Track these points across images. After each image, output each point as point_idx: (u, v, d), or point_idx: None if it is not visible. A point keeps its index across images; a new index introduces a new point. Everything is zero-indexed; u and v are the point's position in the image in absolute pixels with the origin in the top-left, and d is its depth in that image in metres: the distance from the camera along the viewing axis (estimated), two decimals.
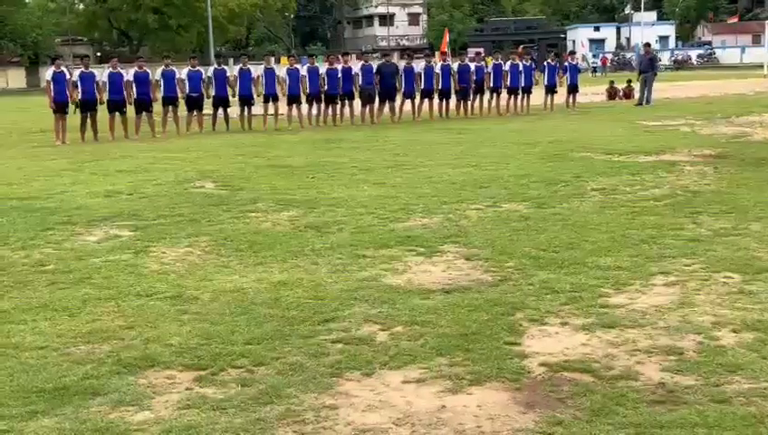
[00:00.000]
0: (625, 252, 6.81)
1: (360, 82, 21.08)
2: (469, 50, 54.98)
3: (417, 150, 14.66)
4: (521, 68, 23.52)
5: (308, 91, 20.60)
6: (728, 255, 6.59)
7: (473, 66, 22.86)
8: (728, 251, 6.71)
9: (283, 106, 20.74)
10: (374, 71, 21.38)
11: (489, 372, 4.39)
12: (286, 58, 24.75)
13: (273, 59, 22.43)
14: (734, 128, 17.22)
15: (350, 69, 21.19)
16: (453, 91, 22.39)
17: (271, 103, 20.55)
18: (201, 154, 14.97)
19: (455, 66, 22.65)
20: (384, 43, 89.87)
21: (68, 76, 17.94)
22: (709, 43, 79.71)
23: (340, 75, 20.83)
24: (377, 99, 21.52)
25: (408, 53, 28.98)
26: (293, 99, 20.60)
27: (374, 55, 34.19)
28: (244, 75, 20.28)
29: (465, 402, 4.07)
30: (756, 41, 69.22)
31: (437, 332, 5.03)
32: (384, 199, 9.56)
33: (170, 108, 19.38)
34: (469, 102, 22.94)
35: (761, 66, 45.53)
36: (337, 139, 17.21)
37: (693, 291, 5.71)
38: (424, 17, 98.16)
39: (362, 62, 21.76)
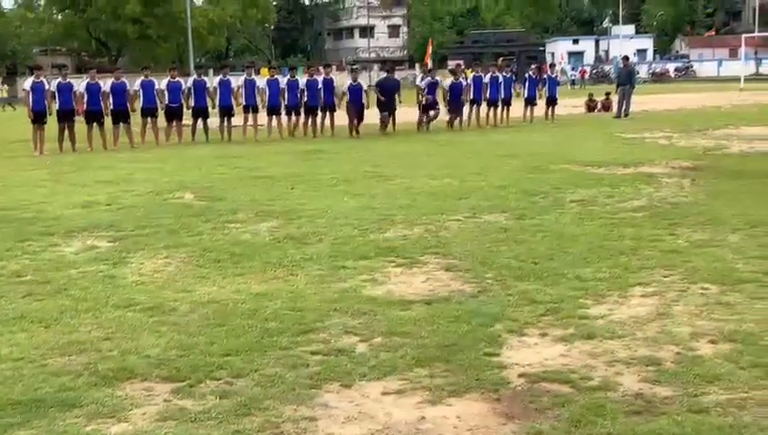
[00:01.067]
0: (603, 263, 6.84)
1: (348, 99, 21.00)
2: (449, 62, 55.27)
3: (398, 162, 14.68)
4: (500, 80, 23.63)
5: (287, 103, 20.61)
6: (706, 266, 6.64)
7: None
8: (706, 262, 6.76)
9: (263, 117, 20.72)
10: (375, 85, 21.68)
11: (469, 383, 4.39)
12: (266, 69, 24.73)
13: (253, 70, 22.36)
14: (711, 140, 17.37)
15: (331, 80, 21.23)
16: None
17: (251, 114, 20.52)
18: (180, 165, 14.91)
19: (446, 82, 22.78)
20: (364, 55, 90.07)
21: (46, 86, 17.83)
22: (687, 56, 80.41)
23: (320, 87, 20.86)
24: (361, 113, 21.15)
25: (388, 65, 29.06)
26: (273, 110, 20.59)
27: (354, 67, 34.16)
28: (224, 86, 20.26)
29: (444, 414, 4.06)
30: (733, 54, 69.94)
31: (417, 343, 5.02)
32: (364, 210, 9.56)
33: (149, 119, 19.31)
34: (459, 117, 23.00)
35: (737, 79, 46.02)
36: (317, 150, 17.20)
37: (671, 302, 5.74)
38: (404, 29, 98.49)
39: (350, 81, 21.42)
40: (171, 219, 9.23)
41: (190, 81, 20.61)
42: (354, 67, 32.10)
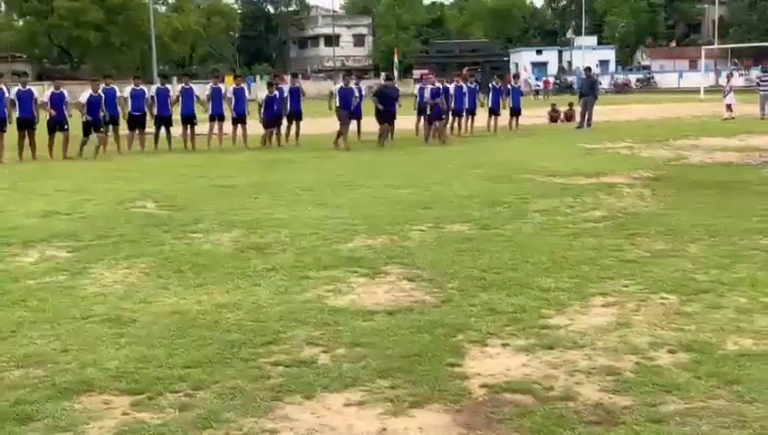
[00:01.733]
0: (565, 273, 6.89)
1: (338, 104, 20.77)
2: (414, 71, 55.46)
3: (362, 171, 14.69)
4: (465, 90, 23.75)
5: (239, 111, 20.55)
6: (665, 276, 6.71)
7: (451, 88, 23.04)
8: (665, 272, 6.84)
9: (228, 126, 20.63)
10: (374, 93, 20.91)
11: (431, 394, 4.39)
12: (231, 77, 24.63)
13: (219, 78, 22.35)
14: (671, 151, 17.59)
15: (297, 89, 21.24)
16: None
17: (216, 123, 20.42)
18: (143, 174, 14.78)
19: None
20: (330, 64, 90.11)
21: (6, 94, 17.57)
22: (648, 67, 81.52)
23: (286, 95, 20.85)
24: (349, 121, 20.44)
25: (354, 73, 29.09)
26: (239, 119, 20.50)
27: (320, 75, 34.08)
28: (187, 94, 20.16)
29: (406, 425, 4.06)
30: (693, 66, 71.05)
31: (380, 353, 5.01)
32: (328, 220, 9.54)
33: (110, 127, 19.12)
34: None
35: (697, 91, 46.73)
36: (282, 159, 17.15)
37: (631, 312, 5.80)
38: (369, 38, 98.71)
39: (341, 84, 20.99)
40: (132, 229, 9.14)
41: (153, 89, 20.47)
42: (321, 76, 32.08)
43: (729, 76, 32.43)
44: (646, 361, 4.81)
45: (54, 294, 6.48)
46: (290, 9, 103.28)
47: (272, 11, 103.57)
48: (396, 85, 22.81)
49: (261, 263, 7.44)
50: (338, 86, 21.23)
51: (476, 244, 8.16)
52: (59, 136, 17.90)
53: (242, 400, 4.34)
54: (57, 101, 17.96)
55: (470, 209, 10.16)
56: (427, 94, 21.45)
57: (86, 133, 18.27)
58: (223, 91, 20.61)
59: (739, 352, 4.90)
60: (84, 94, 18.36)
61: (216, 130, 20.38)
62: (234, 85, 21.27)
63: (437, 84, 22.19)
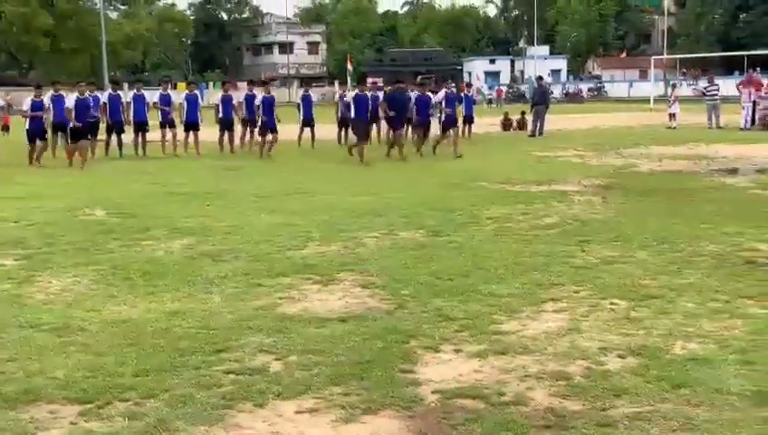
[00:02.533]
0: (517, 279, 6.94)
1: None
2: (368, 80, 55.52)
3: (317, 178, 14.67)
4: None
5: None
6: (615, 282, 6.80)
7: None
8: (615, 278, 6.92)
9: (180, 132, 20.47)
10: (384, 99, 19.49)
11: (383, 401, 4.39)
12: (184, 84, 24.49)
13: (169, 84, 22.20)
14: (621, 159, 17.85)
15: (253, 96, 21.18)
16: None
17: (168, 129, 20.25)
18: (93, 181, 14.59)
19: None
20: (284, 71, 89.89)
21: None
22: (599, 76, 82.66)
23: (242, 100, 20.83)
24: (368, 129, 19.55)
25: (306, 81, 29.08)
26: (191, 125, 20.35)
27: (274, 83, 34.11)
28: (139, 101, 19.97)
29: (358, 432, 4.05)
30: (643, 75, 72.26)
31: (332, 361, 5.00)
32: (281, 227, 9.51)
33: (60, 134, 18.82)
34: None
35: (647, 100, 47.50)
36: (235, 166, 17.06)
37: (581, 317, 5.86)
38: (323, 46, 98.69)
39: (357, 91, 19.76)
40: (81, 237, 9.01)
41: (105, 95, 20.23)
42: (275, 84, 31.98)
43: (674, 86, 32.99)
44: (596, 365, 4.87)
45: (1, 303, 6.35)
46: (243, 16, 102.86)
47: (225, 18, 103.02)
48: (410, 92, 20.58)
49: (213, 270, 7.38)
50: (351, 93, 20.10)
51: (430, 251, 8.18)
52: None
53: (192, 408, 4.30)
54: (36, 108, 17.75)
55: (424, 217, 10.19)
56: (438, 98, 20.00)
57: (31, 141, 17.91)
58: (173, 99, 20.48)
59: (687, 357, 4.97)
60: (27, 100, 18.07)
61: (168, 136, 20.22)
62: (186, 92, 21.12)
63: (452, 89, 20.88)
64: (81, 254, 8.15)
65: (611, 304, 6.16)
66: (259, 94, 20.30)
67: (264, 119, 19.30)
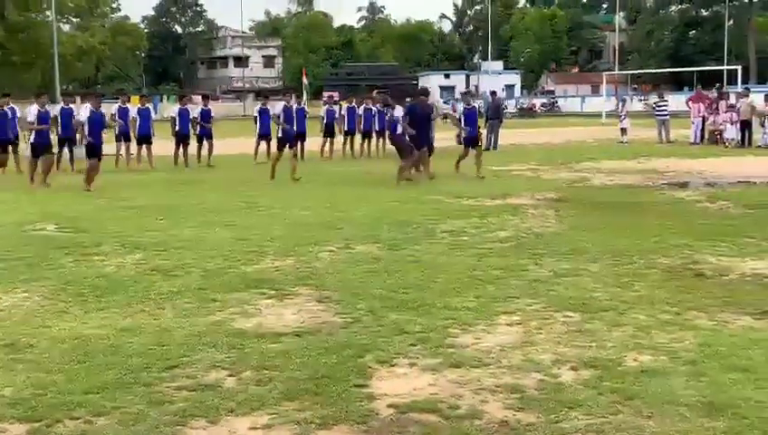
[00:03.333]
0: (471, 293, 6.97)
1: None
2: (324, 93, 55.51)
3: (273, 192, 14.61)
4: (374, 112, 23.95)
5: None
6: (568, 294, 6.86)
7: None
8: (568, 291, 6.99)
9: (133, 146, 20.28)
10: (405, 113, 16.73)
11: (337, 416, 4.37)
12: (137, 97, 24.28)
13: (128, 98, 22.03)
14: (574, 173, 18.06)
15: (209, 110, 21.14)
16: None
17: (122, 143, 20.04)
18: (44, 195, 14.37)
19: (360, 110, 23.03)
20: (239, 85, 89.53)
21: None
22: (552, 92, 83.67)
23: (196, 115, 20.74)
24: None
25: (264, 94, 29.06)
26: (143, 139, 20.18)
27: (229, 96, 33.94)
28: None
29: None
30: (595, 91, 73.25)
31: (287, 376, 4.97)
32: (236, 241, 9.44)
33: (9, 147, 18.50)
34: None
35: (599, 115, 48.14)
36: (190, 180, 16.92)
37: (535, 330, 5.90)
38: (279, 60, 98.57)
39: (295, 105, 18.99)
40: (32, 252, 8.85)
41: (57, 108, 19.94)
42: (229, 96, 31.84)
43: (624, 102, 33.50)
44: (549, 378, 4.90)
45: None
46: (198, 29, 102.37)
47: (180, 31, 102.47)
48: (431, 102, 18.15)
49: (165, 285, 7.30)
50: (401, 109, 17.47)
51: (385, 264, 8.19)
52: None
53: (144, 426, 4.24)
54: None
55: (379, 230, 10.20)
56: (458, 109, 18.56)
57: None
58: (130, 112, 20.31)
59: (639, 369, 5.03)
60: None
61: (121, 150, 20.01)
62: (138, 105, 20.93)
63: (474, 103, 19.58)
64: (31, 269, 8.01)
65: (564, 316, 6.22)
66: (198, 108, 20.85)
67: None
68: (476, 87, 79.08)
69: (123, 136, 20.03)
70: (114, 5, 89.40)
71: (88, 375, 4.96)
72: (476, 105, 18.42)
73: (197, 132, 20.96)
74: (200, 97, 23.45)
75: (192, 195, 14.30)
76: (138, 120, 20.11)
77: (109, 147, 19.78)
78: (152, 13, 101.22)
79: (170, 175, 18.19)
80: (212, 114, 21.69)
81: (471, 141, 17.80)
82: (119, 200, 13.46)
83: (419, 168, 16.52)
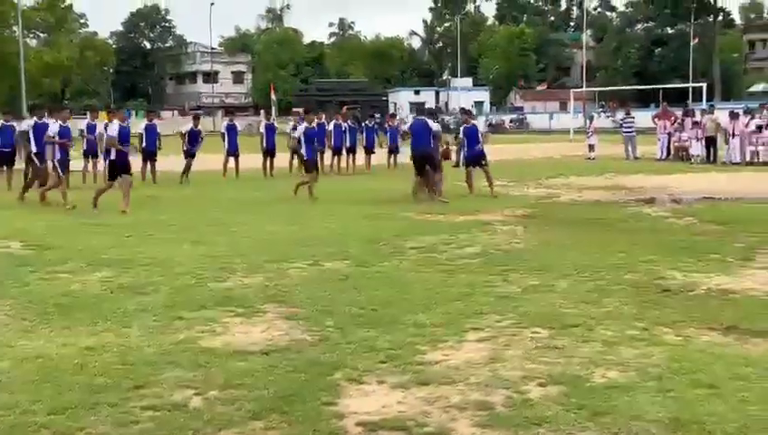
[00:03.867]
0: (440, 309, 6.97)
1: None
2: (294, 109, 55.49)
3: (241, 209, 14.54)
4: (344, 128, 24.00)
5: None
6: (536, 311, 6.88)
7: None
8: (536, 307, 7.01)
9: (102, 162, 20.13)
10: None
11: (306, 434, 4.34)
12: (105, 113, 24.15)
13: (97, 114, 21.93)
14: (543, 189, 18.19)
15: (198, 131, 21.23)
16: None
17: (90, 159, 19.88)
18: (9, 212, 14.18)
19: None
20: (208, 101, 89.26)
21: None
22: (521, 108, 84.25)
23: (159, 130, 20.65)
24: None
25: (230, 110, 29.02)
26: (150, 154, 20.12)
27: (199, 112, 33.82)
28: (65, 133, 19.54)
29: None
30: (563, 107, 73.88)
31: (254, 395, 4.92)
32: (204, 259, 9.38)
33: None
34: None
35: (568, 132, 48.53)
36: (157, 196, 16.79)
37: (503, 346, 5.91)
38: (248, 76, 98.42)
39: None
40: None
41: (26, 124, 19.75)
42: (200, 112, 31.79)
43: (591, 118, 33.83)
44: (517, 394, 4.90)
45: None
46: (167, 45, 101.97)
47: (148, 47, 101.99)
48: (428, 120, 17.04)
49: (132, 303, 7.22)
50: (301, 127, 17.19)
51: (354, 281, 8.17)
52: None
53: None
54: None
55: (349, 247, 10.18)
56: (461, 133, 17.80)
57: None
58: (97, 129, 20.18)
59: (606, 385, 5.05)
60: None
61: (89, 167, 19.86)
62: (106, 121, 20.79)
63: (474, 122, 18.79)
64: None
65: (533, 332, 6.24)
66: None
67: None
68: (446, 103, 79.56)
69: (91, 153, 19.85)
70: (82, 21, 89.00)
71: (52, 395, 4.88)
72: (475, 123, 17.65)
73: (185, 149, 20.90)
74: (191, 117, 23.52)
75: (160, 211, 14.20)
76: (144, 135, 20.00)
77: (76, 163, 19.69)
78: (121, 28, 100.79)
79: (137, 192, 18.02)
80: (202, 135, 21.65)
81: (475, 160, 17.25)
82: (86, 217, 13.32)
83: (432, 188, 15.97)
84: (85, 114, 22.90)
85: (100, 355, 5.69)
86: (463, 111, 19.32)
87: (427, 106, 22.88)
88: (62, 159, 15.44)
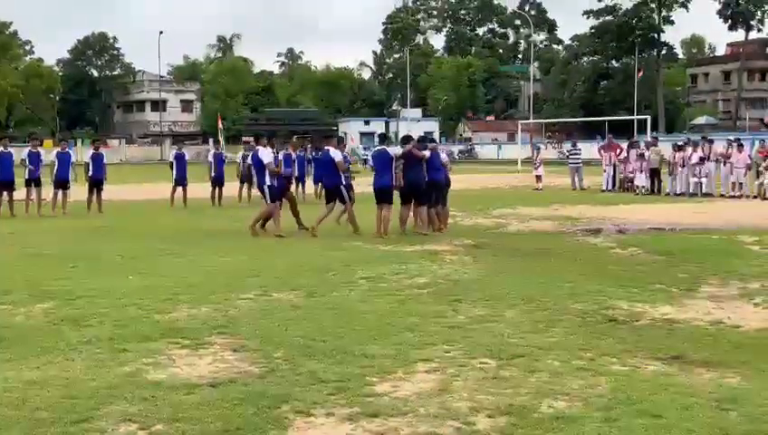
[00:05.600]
0: (390, 340, 6.96)
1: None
2: (243, 138, 55.34)
3: (188, 239, 14.39)
4: (294, 158, 23.94)
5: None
6: (484, 341, 6.91)
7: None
8: (485, 337, 7.04)
9: (47, 191, 19.81)
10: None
11: None
12: (50, 141, 23.84)
13: (38, 142, 21.57)
14: (491, 219, 18.34)
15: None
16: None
17: (34, 188, 19.56)
18: None
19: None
20: (156, 129, 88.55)
21: None
22: (470, 139, 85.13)
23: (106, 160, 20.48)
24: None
25: (180, 139, 28.85)
26: (62, 183, 19.76)
27: (146, 141, 33.51)
28: (5, 158, 19.24)
29: None
30: (511, 138, 74.83)
31: (201, 428, 4.85)
32: (149, 290, 9.24)
33: None
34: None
35: (515, 162, 49.13)
36: (104, 226, 16.56)
37: (452, 377, 5.91)
38: (198, 104, 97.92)
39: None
40: None
41: None
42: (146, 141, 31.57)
43: (538, 149, 34.29)
44: (466, 426, 4.91)
45: None
46: (114, 73, 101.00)
47: (96, 74, 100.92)
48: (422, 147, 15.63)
49: (75, 335, 7.08)
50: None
51: (304, 312, 8.13)
52: None
53: None
54: None
55: (298, 277, 10.13)
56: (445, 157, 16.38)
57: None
58: (42, 157, 19.89)
59: (553, 415, 5.08)
60: None
61: (32, 195, 19.53)
62: (59, 149, 20.49)
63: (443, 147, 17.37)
64: None
65: (481, 363, 6.25)
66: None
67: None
68: (395, 134, 79.96)
69: (33, 181, 19.53)
70: (27, 48, 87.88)
71: None
72: (440, 151, 16.42)
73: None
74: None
75: (105, 241, 13.99)
76: (56, 164, 19.71)
77: (19, 192, 19.35)
78: (68, 56, 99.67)
79: (83, 221, 17.77)
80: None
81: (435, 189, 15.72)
82: (27, 247, 13.07)
83: (435, 221, 15.45)
84: (27, 142, 22.46)
85: (42, 389, 5.56)
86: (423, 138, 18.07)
87: (422, 134, 21.04)
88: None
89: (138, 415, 5.08)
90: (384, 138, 17.02)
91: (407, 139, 16.02)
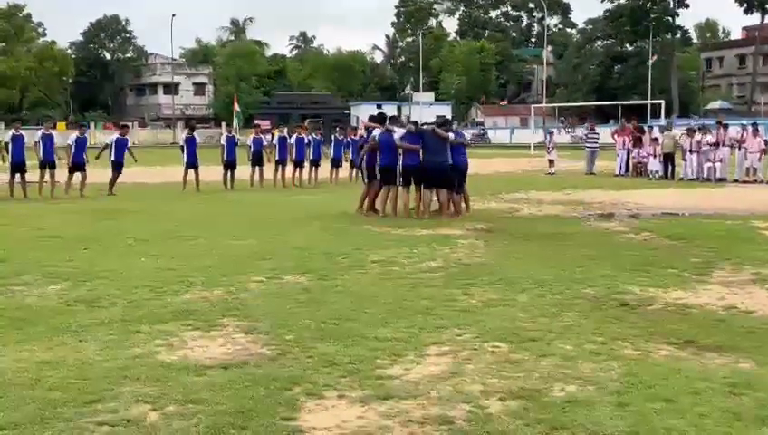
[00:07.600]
0: (401, 323, 6.96)
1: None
2: (256, 121, 55.35)
3: (200, 222, 14.42)
4: (307, 141, 23.99)
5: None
6: (496, 325, 6.90)
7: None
8: (496, 321, 7.03)
9: (61, 174, 19.89)
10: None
11: None
12: (64, 123, 23.90)
13: (51, 124, 21.66)
14: (503, 204, 18.30)
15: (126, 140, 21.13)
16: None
17: (48, 170, 19.62)
18: None
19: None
20: (169, 112, 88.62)
21: None
22: (482, 123, 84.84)
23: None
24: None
25: (191, 122, 28.91)
26: (77, 167, 19.82)
27: (158, 123, 33.54)
28: (17, 141, 19.31)
29: None
30: (524, 123, 74.60)
31: (212, 410, 4.86)
32: (161, 272, 9.27)
33: None
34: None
35: (528, 147, 48.98)
36: (117, 209, 16.61)
37: (464, 360, 5.91)
38: (210, 88, 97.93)
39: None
40: None
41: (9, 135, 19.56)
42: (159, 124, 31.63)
43: (551, 134, 34.14)
44: (477, 409, 4.90)
45: None
46: (127, 56, 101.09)
47: (108, 57, 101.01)
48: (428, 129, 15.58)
49: (88, 317, 7.11)
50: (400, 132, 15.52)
51: (315, 295, 8.13)
52: None
53: None
54: None
55: (309, 260, 10.14)
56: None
57: None
58: (56, 139, 19.98)
59: (565, 399, 5.07)
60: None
61: (47, 178, 19.59)
62: (77, 134, 20.53)
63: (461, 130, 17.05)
64: None
65: (493, 346, 6.24)
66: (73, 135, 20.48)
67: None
68: (408, 117, 79.77)
69: (48, 164, 19.58)
70: (40, 30, 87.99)
71: (4, 410, 4.78)
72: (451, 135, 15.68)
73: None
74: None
75: (118, 224, 14.03)
76: (73, 147, 19.77)
77: (32, 175, 19.44)
78: (80, 38, 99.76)
79: (97, 204, 17.83)
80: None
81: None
82: (41, 229, 13.12)
83: (458, 206, 15.44)
84: (41, 125, 22.54)
85: (55, 369, 5.59)
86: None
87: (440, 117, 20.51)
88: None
89: (150, 396, 5.10)
90: (388, 120, 17.06)
91: (446, 122, 16.73)
